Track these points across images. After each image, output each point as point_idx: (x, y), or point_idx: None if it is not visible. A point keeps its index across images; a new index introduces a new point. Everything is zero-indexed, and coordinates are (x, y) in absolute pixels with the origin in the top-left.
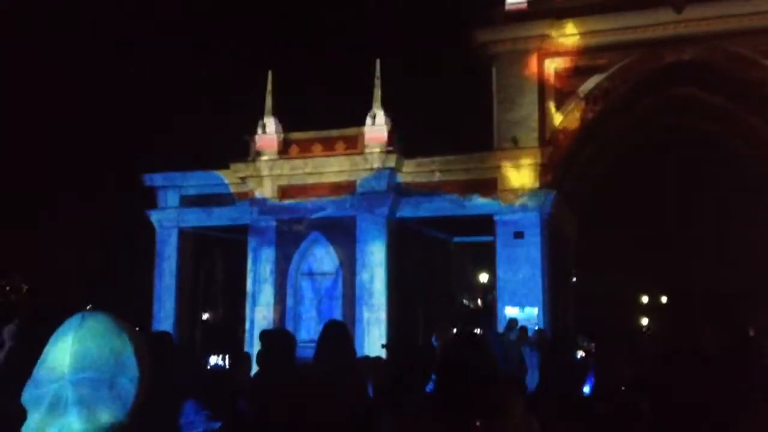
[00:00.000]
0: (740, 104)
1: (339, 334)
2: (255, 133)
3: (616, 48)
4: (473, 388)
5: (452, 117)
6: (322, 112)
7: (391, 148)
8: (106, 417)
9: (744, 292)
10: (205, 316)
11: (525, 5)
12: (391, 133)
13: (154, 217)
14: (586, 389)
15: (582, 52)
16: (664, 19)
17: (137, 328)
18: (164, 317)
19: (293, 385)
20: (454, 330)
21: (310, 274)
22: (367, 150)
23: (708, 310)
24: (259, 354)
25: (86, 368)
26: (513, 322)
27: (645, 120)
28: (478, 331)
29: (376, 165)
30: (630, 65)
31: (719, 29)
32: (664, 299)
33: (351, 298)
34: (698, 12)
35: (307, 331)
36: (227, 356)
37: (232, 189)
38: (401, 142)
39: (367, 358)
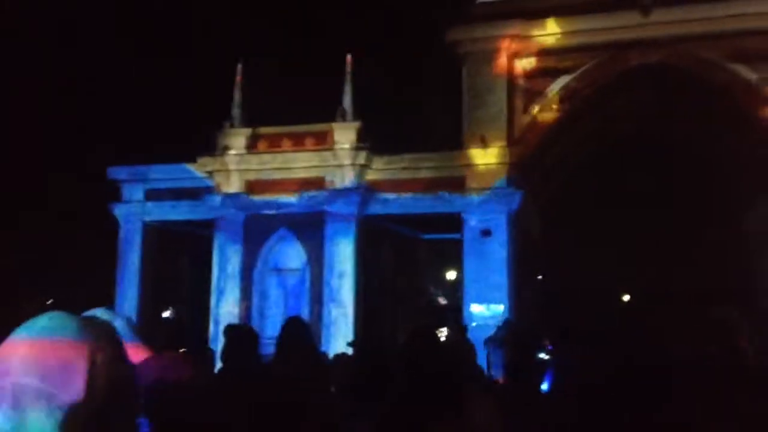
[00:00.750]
0: (706, 108)
1: (299, 331)
2: (223, 126)
3: (583, 50)
4: (428, 388)
5: (423, 114)
6: (291, 107)
7: (360, 145)
8: (35, 427)
9: (709, 293)
10: (169, 312)
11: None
12: (361, 130)
13: (117, 210)
14: (544, 386)
15: (550, 52)
16: (632, 22)
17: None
18: (127, 313)
19: (260, 383)
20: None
21: (277, 270)
22: (336, 146)
23: (673, 310)
24: (223, 349)
25: (31, 374)
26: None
27: (612, 121)
28: (444, 329)
29: (345, 161)
30: (596, 67)
31: (686, 33)
32: (626, 298)
33: (318, 294)
34: (665, 15)
35: (273, 328)
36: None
37: (199, 183)
38: (371, 139)
39: (325, 354)
